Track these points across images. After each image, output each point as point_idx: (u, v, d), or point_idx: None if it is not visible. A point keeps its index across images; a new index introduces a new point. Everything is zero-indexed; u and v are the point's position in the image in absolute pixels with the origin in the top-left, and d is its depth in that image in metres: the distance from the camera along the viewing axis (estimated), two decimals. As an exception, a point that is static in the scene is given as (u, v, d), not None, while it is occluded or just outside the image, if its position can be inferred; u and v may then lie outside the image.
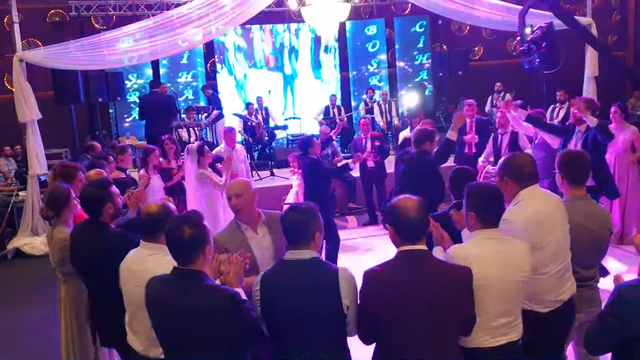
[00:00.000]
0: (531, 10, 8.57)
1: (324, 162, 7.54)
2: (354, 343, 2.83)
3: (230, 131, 8.08)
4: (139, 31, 9.15)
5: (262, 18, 13.03)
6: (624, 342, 2.42)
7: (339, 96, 14.11)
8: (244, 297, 2.68)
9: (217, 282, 2.74)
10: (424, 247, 2.68)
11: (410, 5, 13.13)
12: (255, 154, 12.05)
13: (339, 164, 7.97)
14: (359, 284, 2.69)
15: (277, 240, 3.31)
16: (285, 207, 4.36)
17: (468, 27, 14.18)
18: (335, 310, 2.64)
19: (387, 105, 12.66)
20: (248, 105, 12.17)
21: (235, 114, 11.93)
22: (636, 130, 7.15)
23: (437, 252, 3.05)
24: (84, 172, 4.86)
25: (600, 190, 5.96)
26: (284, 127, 12.83)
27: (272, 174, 10.55)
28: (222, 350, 2.58)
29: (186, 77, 13.47)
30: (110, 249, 3.41)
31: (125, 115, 13.20)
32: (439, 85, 14.55)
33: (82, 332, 4.04)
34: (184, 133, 10.16)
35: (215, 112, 10.58)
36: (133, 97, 12.98)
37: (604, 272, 4.83)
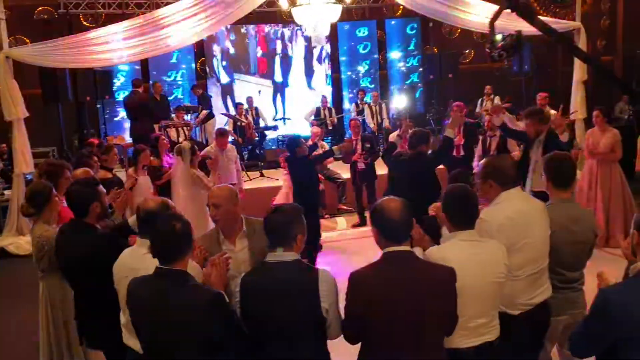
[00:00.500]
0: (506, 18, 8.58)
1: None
2: (339, 344, 2.82)
3: (222, 134, 8.01)
4: (128, 30, 9.09)
5: (253, 18, 13.00)
6: (610, 345, 2.41)
7: (329, 97, 14.09)
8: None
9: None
10: (408, 247, 2.70)
11: (401, 7, 13.14)
12: (245, 155, 12.00)
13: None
14: (346, 285, 2.68)
15: (255, 254, 3.26)
16: None
17: (459, 30, 14.20)
18: (314, 314, 2.64)
19: (377, 107, 12.67)
20: (238, 105, 12.12)
21: (225, 114, 11.88)
22: (617, 133, 7.22)
23: (416, 252, 3.05)
24: (71, 170, 4.81)
25: None
26: (274, 128, 12.80)
27: (262, 175, 10.51)
28: (207, 351, 2.57)
29: (175, 77, 13.39)
30: (98, 251, 3.39)
31: (114, 114, 13.11)
32: (429, 88, 14.59)
33: (59, 331, 4.01)
34: (172, 133, 10.10)
35: (204, 111, 10.53)
36: (122, 96, 12.90)
37: None
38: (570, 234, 3.41)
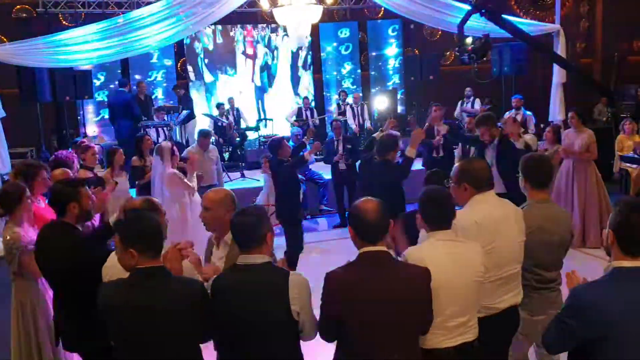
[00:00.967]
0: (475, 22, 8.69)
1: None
2: (315, 345, 2.83)
3: (206, 136, 7.96)
4: (107, 29, 9.00)
5: (235, 19, 12.95)
6: (582, 342, 2.45)
7: (311, 98, 14.08)
8: None
9: None
10: (384, 248, 2.71)
11: (383, 8, 13.18)
12: (226, 155, 11.95)
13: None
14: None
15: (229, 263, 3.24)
16: None
17: (440, 32, 14.28)
18: (285, 317, 2.63)
19: (359, 108, 12.70)
20: (219, 106, 12.05)
21: (206, 114, 11.83)
22: (592, 134, 7.32)
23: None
24: (48, 171, 4.76)
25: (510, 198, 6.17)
26: (256, 128, 12.76)
27: (243, 176, 10.48)
28: (189, 344, 2.62)
29: (156, 76, 13.30)
30: (76, 251, 3.36)
31: (94, 114, 12.98)
32: (410, 89, 14.64)
33: (29, 336, 3.97)
34: (152, 133, 10.02)
35: (184, 112, 10.48)
36: (102, 96, 12.78)
37: None
38: (547, 234, 3.45)
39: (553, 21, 10.80)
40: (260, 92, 14.14)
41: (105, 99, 12.62)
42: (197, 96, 13.46)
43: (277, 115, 13.56)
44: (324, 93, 14.61)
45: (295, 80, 14.40)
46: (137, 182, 6.97)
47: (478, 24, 8.72)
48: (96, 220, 4.13)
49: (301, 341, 2.79)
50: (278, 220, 6.69)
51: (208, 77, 13.76)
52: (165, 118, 10.85)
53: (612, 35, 14.91)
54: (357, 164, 8.76)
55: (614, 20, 14.97)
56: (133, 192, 7.02)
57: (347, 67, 14.72)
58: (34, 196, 4.28)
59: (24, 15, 12.58)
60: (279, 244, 5.29)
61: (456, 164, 3.50)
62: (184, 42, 12.96)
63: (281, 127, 13.11)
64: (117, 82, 11.80)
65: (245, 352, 2.67)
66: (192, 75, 13.59)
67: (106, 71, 12.78)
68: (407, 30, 14.59)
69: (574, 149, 7.34)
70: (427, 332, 2.82)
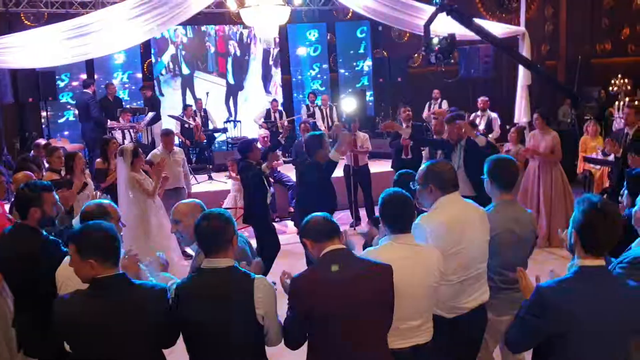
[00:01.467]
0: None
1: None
2: (283, 353, 2.83)
3: (168, 134, 7.86)
4: (71, 29, 8.82)
5: (202, 19, 12.84)
6: (544, 340, 2.49)
7: (280, 100, 14.03)
8: None
9: None
10: (343, 246, 2.79)
11: (351, 10, 13.21)
12: (193, 158, 11.83)
13: None
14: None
15: None
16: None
17: (408, 34, 14.36)
18: (250, 321, 2.62)
19: (328, 110, 12.71)
20: (186, 107, 11.92)
21: (172, 116, 11.68)
22: (556, 135, 7.43)
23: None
24: (5, 174, 4.65)
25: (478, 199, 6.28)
26: (224, 130, 12.66)
27: (210, 178, 10.38)
28: (153, 350, 2.62)
29: (122, 78, 13.10)
30: (34, 255, 3.31)
31: (59, 116, 12.73)
32: (379, 91, 14.70)
33: None
34: (118, 135, 9.86)
35: (150, 113, 10.34)
36: (66, 98, 12.54)
37: None
38: (512, 235, 3.49)
39: (518, 24, 10.94)
40: (234, 89, 14.05)
41: (70, 101, 12.41)
42: (170, 92, 13.32)
43: (247, 115, 13.47)
44: (293, 94, 14.58)
45: (267, 79, 14.34)
46: (100, 185, 6.83)
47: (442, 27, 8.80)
48: None
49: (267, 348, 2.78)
50: (247, 223, 6.62)
51: (185, 70, 13.63)
52: (134, 119, 10.69)
53: (576, 38, 15.19)
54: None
55: (578, 24, 15.27)
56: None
57: (316, 68, 14.72)
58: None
59: (-16, 14, 12.26)
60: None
61: (422, 166, 3.51)
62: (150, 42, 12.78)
63: (249, 128, 13.02)
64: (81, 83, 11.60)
65: (211, 356, 2.65)
66: (164, 71, 13.42)
67: (70, 72, 12.54)
68: (375, 32, 14.65)
69: (539, 150, 7.44)
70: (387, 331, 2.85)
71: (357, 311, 2.63)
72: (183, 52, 13.63)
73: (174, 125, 11.23)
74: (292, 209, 9.71)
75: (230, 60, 14.03)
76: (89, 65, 12.56)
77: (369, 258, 2.90)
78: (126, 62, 13.10)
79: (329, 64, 14.82)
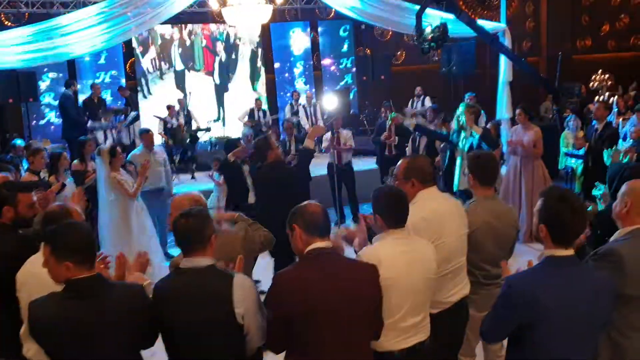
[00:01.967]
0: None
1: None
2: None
3: (147, 131, 7.79)
4: (52, 29, 8.75)
5: (184, 19, 12.78)
6: (516, 329, 2.51)
7: (264, 99, 14.00)
8: None
9: None
10: (331, 244, 2.68)
11: (334, 9, 13.21)
12: (177, 157, 11.75)
13: None
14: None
15: None
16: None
17: (390, 33, 14.41)
18: (229, 320, 2.57)
19: (312, 108, 12.71)
20: (169, 107, 11.85)
21: (155, 116, 11.61)
22: (539, 130, 7.48)
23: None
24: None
25: None
26: (207, 129, 12.61)
27: (194, 178, 10.34)
28: (131, 350, 2.58)
29: (104, 78, 12.99)
30: (16, 254, 3.24)
31: (40, 117, 12.60)
32: (363, 89, 14.74)
33: None
34: (100, 135, 9.79)
35: (132, 113, 10.27)
36: (48, 98, 12.42)
37: None
38: (493, 229, 3.51)
39: (499, 21, 11.00)
40: (221, 88, 14.01)
41: (52, 101, 12.30)
42: (157, 89, 13.25)
43: (232, 115, 13.43)
44: (277, 92, 14.57)
45: (255, 77, 14.33)
46: (77, 187, 6.75)
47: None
48: None
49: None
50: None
51: (179, 65, 13.57)
52: (116, 119, 10.61)
53: (557, 35, 15.33)
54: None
55: (558, 20, 15.41)
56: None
57: (300, 67, 14.71)
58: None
59: (-38, 14, 12.13)
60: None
61: (400, 161, 3.52)
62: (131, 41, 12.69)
63: (233, 128, 12.98)
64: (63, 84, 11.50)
65: (190, 357, 2.61)
66: (150, 69, 13.34)
67: (51, 72, 12.41)
68: (358, 30, 14.68)
69: (522, 144, 7.48)
70: (379, 336, 2.80)
71: (340, 315, 2.55)
72: (179, 50, 13.56)
73: (156, 125, 11.16)
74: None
75: (217, 60, 13.97)
76: (71, 66, 12.46)
77: (361, 256, 2.86)
78: (108, 62, 12.98)
79: (313, 62, 14.82)
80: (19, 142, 8.54)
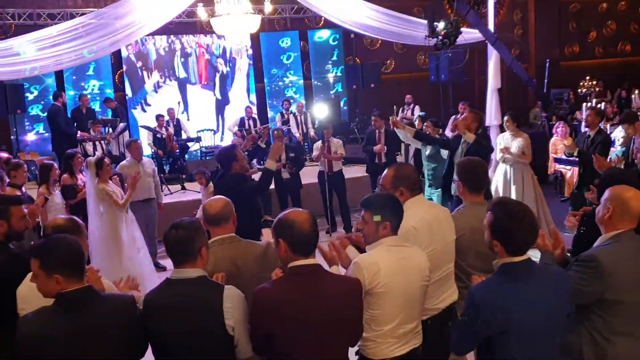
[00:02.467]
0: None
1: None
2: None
3: (134, 141, 7.73)
4: (41, 40, 8.70)
5: (173, 29, 12.78)
6: (484, 340, 2.55)
7: (254, 108, 13.98)
8: None
9: None
10: (315, 261, 2.62)
11: (323, 18, 13.25)
12: (166, 168, 11.71)
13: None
14: None
15: None
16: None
17: (380, 41, 14.46)
18: (219, 332, 2.56)
19: (303, 117, 12.71)
20: (158, 117, 11.80)
21: (144, 126, 11.56)
22: (527, 137, 7.51)
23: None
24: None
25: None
26: (197, 140, 12.57)
27: (184, 188, 10.28)
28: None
29: (93, 89, 12.93)
30: (7, 270, 3.22)
31: (27, 130, 12.53)
32: (353, 98, 14.78)
33: None
34: (89, 147, 9.73)
35: (121, 124, 10.22)
36: (35, 110, 12.35)
37: None
38: (481, 235, 3.48)
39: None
40: (222, 103, 14.05)
41: (40, 113, 12.24)
42: (155, 99, 13.21)
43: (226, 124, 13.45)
44: (268, 101, 14.58)
45: (250, 90, 14.39)
46: (67, 202, 6.66)
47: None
48: None
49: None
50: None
51: (182, 73, 13.58)
52: (105, 130, 10.56)
53: (545, 42, 15.45)
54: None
55: (546, 27, 15.53)
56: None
57: (290, 76, 14.73)
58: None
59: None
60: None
61: (386, 170, 3.50)
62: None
63: (224, 137, 12.96)
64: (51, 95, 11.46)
65: None
66: (145, 76, 13.29)
67: (40, 84, 12.35)
68: (347, 39, 14.73)
69: (511, 151, 7.51)
70: (355, 343, 2.79)
71: (319, 330, 2.51)
72: (182, 59, 13.60)
73: (145, 136, 11.11)
74: (266, 217, 9.67)
75: (216, 76, 14.01)
76: (59, 77, 12.41)
77: (359, 262, 2.83)
78: (96, 73, 12.94)
79: (303, 71, 14.84)
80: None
